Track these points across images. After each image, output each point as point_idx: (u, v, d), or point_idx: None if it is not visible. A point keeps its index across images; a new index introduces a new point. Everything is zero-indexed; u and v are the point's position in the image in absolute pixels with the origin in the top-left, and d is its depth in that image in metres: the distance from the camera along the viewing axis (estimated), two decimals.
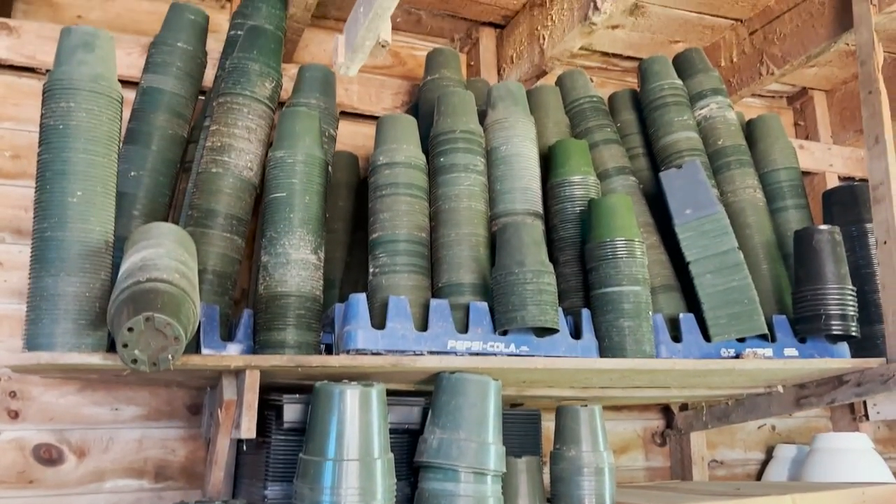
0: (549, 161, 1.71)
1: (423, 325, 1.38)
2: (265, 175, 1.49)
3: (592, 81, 2.46)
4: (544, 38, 1.96)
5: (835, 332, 1.58)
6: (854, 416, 2.29)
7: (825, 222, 1.88)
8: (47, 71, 1.75)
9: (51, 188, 1.19)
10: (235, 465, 1.57)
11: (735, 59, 2.25)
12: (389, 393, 1.40)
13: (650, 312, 1.50)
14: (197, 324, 1.10)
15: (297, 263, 1.40)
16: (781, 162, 1.94)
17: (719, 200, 1.79)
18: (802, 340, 1.64)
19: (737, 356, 1.56)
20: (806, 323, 1.61)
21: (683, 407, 2.18)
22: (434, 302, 1.39)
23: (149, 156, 1.54)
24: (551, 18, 1.94)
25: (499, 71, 2.20)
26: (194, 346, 1.36)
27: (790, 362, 1.55)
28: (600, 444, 1.43)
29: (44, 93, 1.24)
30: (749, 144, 1.98)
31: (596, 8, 1.74)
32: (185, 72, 1.60)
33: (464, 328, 1.40)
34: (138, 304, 0.99)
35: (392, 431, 1.32)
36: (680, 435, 2.18)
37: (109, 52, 1.27)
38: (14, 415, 1.64)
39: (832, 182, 2.57)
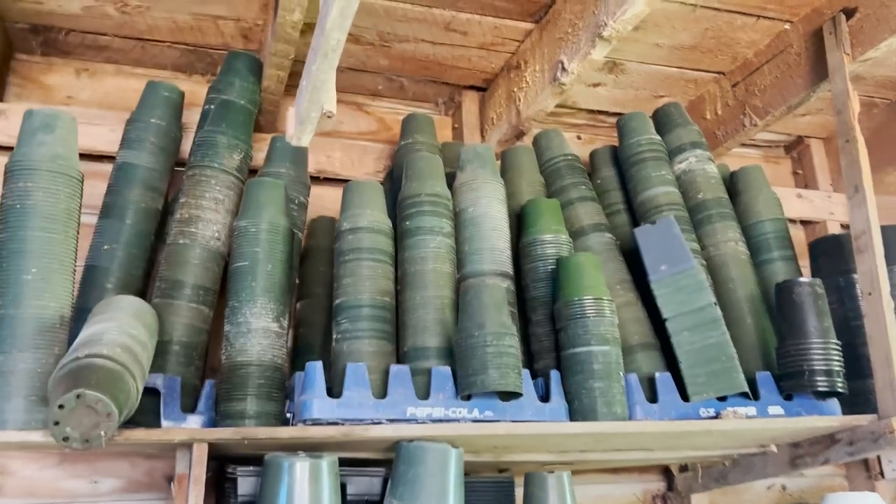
0: (521, 221, 1.71)
1: (385, 392, 1.37)
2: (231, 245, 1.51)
3: (580, 139, 2.49)
4: (520, 100, 1.98)
5: (820, 389, 1.53)
6: (869, 473, 2.20)
7: (813, 274, 1.84)
8: None
9: (6, 266, 1.22)
10: None
11: (720, 112, 2.24)
12: (355, 462, 1.38)
13: (621, 373, 1.47)
14: (136, 399, 1.10)
15: (258, 332, 1.40)
16: (766, 213, 1.91)
17: (699, 255, 1.77)
18: (789, 398, 1.59)
19: (717, 416, 1.51)
20: (790, 379, 1.56)
21: (684, 468, 2.11)
22: (394, 368, 1.38)
23: (123, 229, 1.57)
24: (525, 80, 1.96)
25: (482, 133, 2.22)
26: (155, 419, 1.36)
27: (773, 421, 1.50)
28: None
29: (4, 174, 1.28)
30: (732, 196, 1.96)
31: (564, 69, 1.75)
32: (159, 146, 1.64)
33: (426, 394, 1.38)
34: (70, 381, 1.00)
35: None
36: (681, 498, 2.10)
37: (69, 133, 1.32)
38: None
39: (834, 230, 2.51)
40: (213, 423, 1.38)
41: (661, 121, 2.03)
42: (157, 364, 1.43)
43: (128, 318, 1.24)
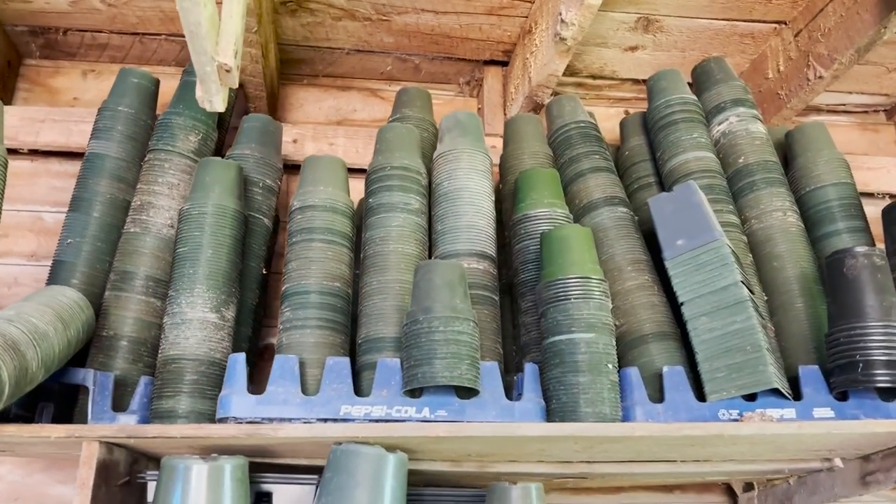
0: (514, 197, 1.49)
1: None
2: None
3: (627, 114, 2.21)
4: (531, 66, 1.76)
5: (879, 384, 1.20)
6: None
7: (887, 247, 1.49)
8: (29, 151, 1.81)
9: None
10: None
11: (782, 68, 1.91)
12: (290, 469, 1.22)
13: (612, 365, 1.21)
14: (2, 393, 0.99)
15: (193, 323, 1.27)
16: (828, 177, 1.57)
17: (738, 229, 1.48)
18: (843, 397, 1.26)
19: (739, 418, 1.22)
20: (840, 373, 1.24)
21: (749, 486, 1.77)
22: (330, 360, 1.20)
23: (89, 222, 1.49)
24: (535, 43, 1.74)
25: (505, 112, 2.01)
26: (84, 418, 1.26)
27: (811, 426, 1.18)
28: None
29: None
30: (789, 160, 1.64)
31: (562, 21, 1.53)
32: (127, 135, 1.55)
33: (369, 390, 1.19)
34: None
35: None
36: None
37: None
38: None
39: None
40: (146, 422, 1.25)
41: (700, 79, 1.74)
42: (100, 360, 1.33)
43: (36, 305, 1.15)
